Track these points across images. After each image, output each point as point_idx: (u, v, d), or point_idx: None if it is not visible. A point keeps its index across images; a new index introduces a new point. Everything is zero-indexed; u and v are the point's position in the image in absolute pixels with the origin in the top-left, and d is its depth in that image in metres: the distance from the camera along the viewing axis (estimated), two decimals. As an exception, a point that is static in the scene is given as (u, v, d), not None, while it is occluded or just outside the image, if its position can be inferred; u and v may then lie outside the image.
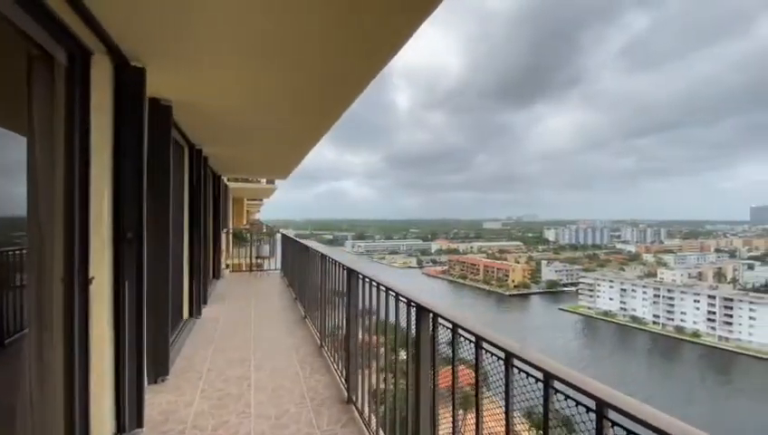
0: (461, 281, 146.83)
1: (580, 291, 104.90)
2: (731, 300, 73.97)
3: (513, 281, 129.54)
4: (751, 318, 69.80)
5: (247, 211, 35.32)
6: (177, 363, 4.02)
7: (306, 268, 5.62)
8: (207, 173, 7.72)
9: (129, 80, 2.73)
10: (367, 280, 2.70)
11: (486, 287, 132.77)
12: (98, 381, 2.48)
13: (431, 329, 1.75)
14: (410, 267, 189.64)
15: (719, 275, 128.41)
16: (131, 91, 2.74)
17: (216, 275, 8.98)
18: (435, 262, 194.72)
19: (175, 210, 4.87)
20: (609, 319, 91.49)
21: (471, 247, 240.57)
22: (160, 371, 3.54)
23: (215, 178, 9.04)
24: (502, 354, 1.21)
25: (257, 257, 9.78)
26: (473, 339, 1.49)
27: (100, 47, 2.50)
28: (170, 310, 4.33)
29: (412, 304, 1.91)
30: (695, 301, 78.77)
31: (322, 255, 4.23)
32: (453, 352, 1.56)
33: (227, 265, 12.42)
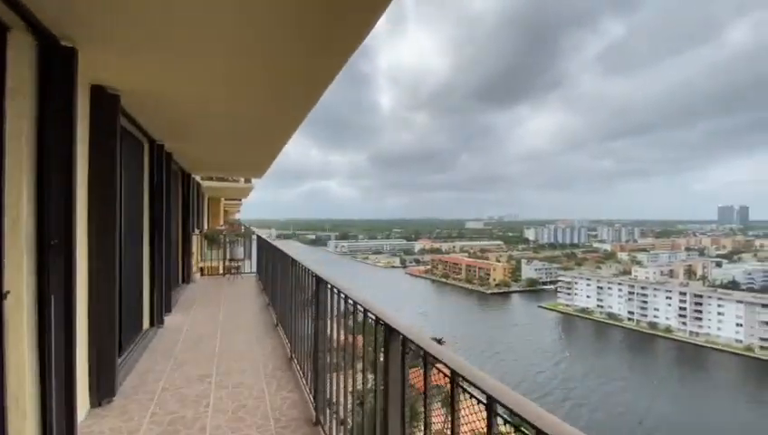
0: (443, 280, 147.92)
1: (558, 289, 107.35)
2: (700, 296, 77.11)
3: (494, 280, 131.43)
4: (719, 314, 72.90)
5: (226, 211, 34.32)
6: (129, 381, 3.62)
7: (278, 272, 5.29)
8: (173, 171, 7.25)
9: (57, 62, 2.35)
10: (335, 291, 2.41)
11: (468, 286, 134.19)
12: (17, 413, 2.11)
13: (401, 354, 1.45)
14: (394, 267, 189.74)
15: (689, 273, 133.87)
16: (60, 75, 2.36)
17: (187, 279, 8.50)
18: (418, 262, 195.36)
19: (131, 211, 4.45)
20: (586, 316, 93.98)
21: (453, 247, 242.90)
22: (105, 392, 3.15)
23: (184, 177, 8.55)
24: (483, 398, 1.06)
25: (230, 260, 9.32)
26: (448, 373, 1.27)
27: (19, 22, 2.12)
28: (121, 322, 3.93)
29: (381, 322, 1.63)
30: (667, 297, 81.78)
31: (293, 260, 3.91)
32: (425, 385, 1.27)
33: (200, 269, 11.88)
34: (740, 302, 70.63)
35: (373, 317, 1.75)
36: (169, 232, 6.00)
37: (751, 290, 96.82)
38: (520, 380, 58.14)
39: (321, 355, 2.74)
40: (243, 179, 15.88)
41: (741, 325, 69.06)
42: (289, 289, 4.24)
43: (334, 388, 2.50)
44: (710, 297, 75.52)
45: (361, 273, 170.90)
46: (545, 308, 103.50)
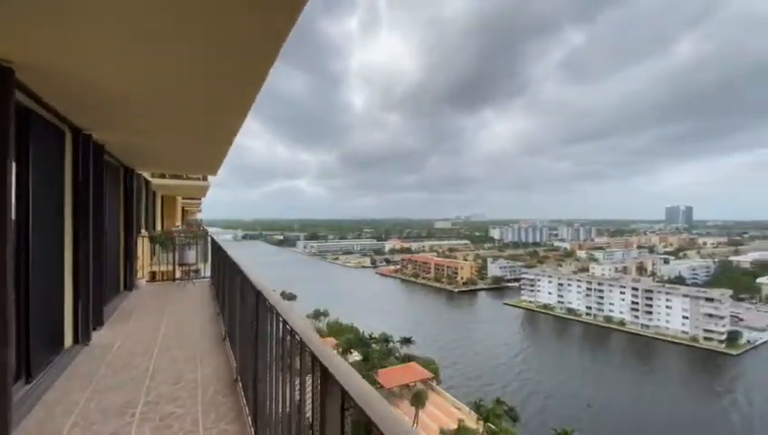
0: (413, 280, 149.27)
1: (522, 286, 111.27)
2: (651, 291, 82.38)
3: (461, 278, 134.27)
4: (668, 307, 78.13)
5: (185, 211, 32.46)
6: (33, 415, 2.99)
7: (227, 278, 4.73)
8: (110, 166, 6.45)
9: None
10: (273, 311, 1.97)
11: (437, 285, 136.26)
12: None
13: (340, 409, 1.04)
14: (364, 267, 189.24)
15: (641, 269, 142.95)
16: None
17: (129, 286, 7.66)
18: (388, 261, 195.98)
19: (45, 210, 3.76)
20: (548, 311, 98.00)
21: (423, 246, 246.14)
22: (-9, 436, 2.53)
23: (126, 173, 7.70)
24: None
25: (180, 265, 8.52)
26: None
27: None
28: (29, 342, 3.27)
29: (317, 363, 1.22)
30: (621, 293, 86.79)
31: (234, 264, 3.40)
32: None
33: (151, 274, 10.89)
34: (686, 296, 76.15)
35: (309, 354, 1.32)
36: (101, 234, 5.25)
37: (695, 285, 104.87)
38: (481, 373, 59.69)
39: (262, 385, 2.28)
40: (201, 177, 14.89)
41: (687, 318, 74.45)
42: (237, 298, 3.73)
43: (277, 421, 2.04)
44: (659, 292, 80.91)
45: (332, 274, 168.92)
46: (510, 305, 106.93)
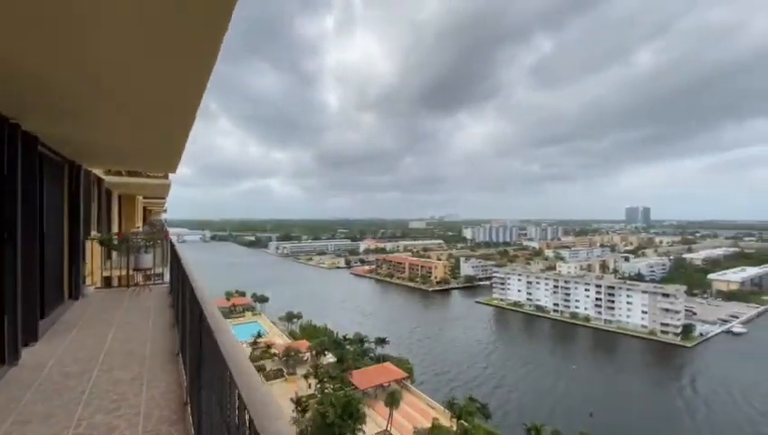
0: (388, 280, 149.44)
1: (493, 284, 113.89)
2: (612, 288, 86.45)
3: (435, 278, 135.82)
4: (628, 303, 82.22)
5: (149, 211, 30.76)
6: (-71, 460, 2.47)
7: (182, 284, 4.26)
8: (49, 160, 5.76)
9: None
10: (211, 328, 1.62)
11: (412, 284, 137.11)
12: None
13: None
14: (338, 268, 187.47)
15: (604, 267, 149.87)
16: None
17: (74, 294, 6.93)
18: (363, 262, 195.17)
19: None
20: (517, 309, 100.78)
21: (398, 246, 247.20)
22: None
23: (72, 170, 6.96)
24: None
25: (136, 269, 7.83)
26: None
27: None
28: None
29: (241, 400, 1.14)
30: (585, 290, 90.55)
31: (183, 270, 2.99)
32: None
33: (105, 280, 10.03)
34: (644, 292, 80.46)
35: (228, 381, 1.19)
36: (33, 237, 4.64)
37: (653, 281, 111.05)
38: (453, 370, 60.52)
39: (207, 416, 1.92)
40: (163, 175, 13.97)
41: (645, 312, 78.68)
42: (189, 308, 3.31)
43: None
44: (620, 289, 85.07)
45: (305, 275, 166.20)
46: (482, 303, 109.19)
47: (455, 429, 37.11)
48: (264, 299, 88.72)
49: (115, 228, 15.13)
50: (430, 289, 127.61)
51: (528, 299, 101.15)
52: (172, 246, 6.63)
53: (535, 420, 38.83)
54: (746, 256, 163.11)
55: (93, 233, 9.29)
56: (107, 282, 10.58)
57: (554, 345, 76.11)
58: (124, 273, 8.52)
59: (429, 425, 37.77)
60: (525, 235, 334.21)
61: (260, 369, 51.59)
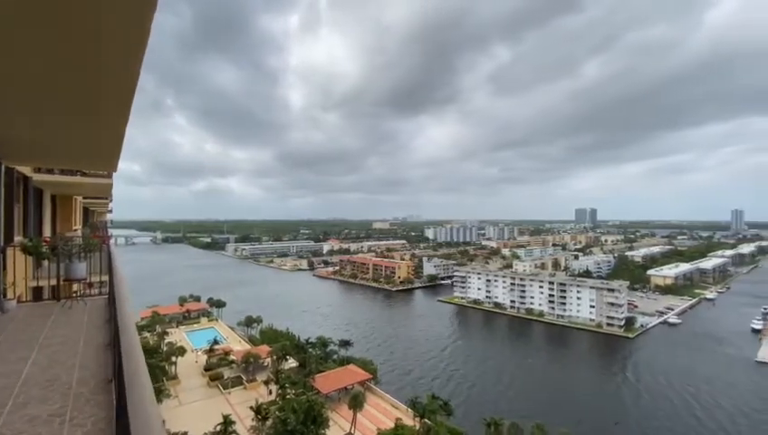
0: (352, 281, 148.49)
1: (454, 283, 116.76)
2: (564, 284, 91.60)
3: (399, 277, 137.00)
4: (578, 298, 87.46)
5: (91, 212, 28.26)
6: None
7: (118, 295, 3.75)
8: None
9: None
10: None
11: (375, 285, 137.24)
12: None
13: None
14: (301, 270, 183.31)
15: (556, 265, 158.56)
16: None
17: (-10, 310, 6.01)
18: (326, 263, 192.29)
19: None
20: (477, 306, 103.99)
21: (362, 247, 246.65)
22: None
23: (-13, 167, 6.05)
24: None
25: (67, 280, 6.96)
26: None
27: None
28: None
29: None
30: (539, 287, 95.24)
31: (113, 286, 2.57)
32: None
33: (34, 291, 8.87)
34: (592, 287, 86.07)
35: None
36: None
37: (599, 277, 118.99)
38: (416, 368, 61.30)
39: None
40: (106, 173, 12.73)
41: (593, 307, 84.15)
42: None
43: None
44: (571, 285, 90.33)
45: (265, 277, 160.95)
46: (443, 302, 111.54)
47: (418, 428, 37.43)
48: (221, 304, 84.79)
49: (48, 232, 13.60)
50: (394, 289, 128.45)
51: (487, 297, 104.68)
52: (110, 251, 5.95)
53: (494, 415, 40.21)
54: (679, 254, 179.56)
55: (18, 238, 8.20)
56: (36, 294, 9.41)
57: (511, 341, 79.38)
58: (37, 284, 7.59)
59: (393, 425, 37.84)
60: (484, 234, 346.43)
61: (217, 377, 49.24)
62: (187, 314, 78.64)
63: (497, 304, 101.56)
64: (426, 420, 38.10)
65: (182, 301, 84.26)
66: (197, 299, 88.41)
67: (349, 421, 39.08)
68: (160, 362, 49.26)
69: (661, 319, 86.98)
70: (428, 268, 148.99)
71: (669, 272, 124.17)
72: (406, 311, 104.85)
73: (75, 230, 17.69)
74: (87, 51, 2.27)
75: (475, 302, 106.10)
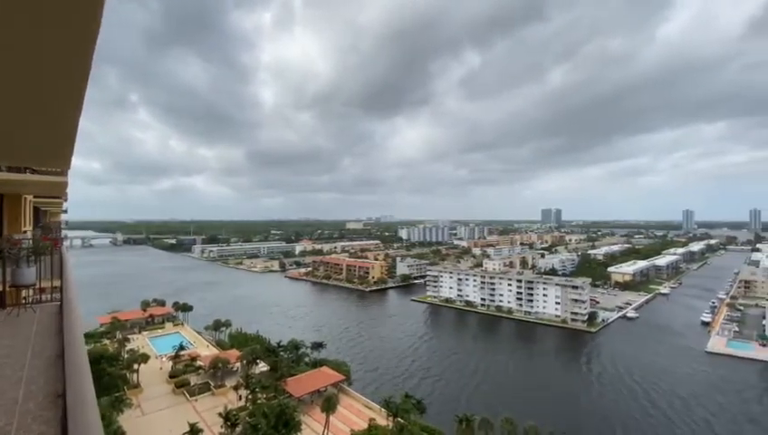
0: (325, 281, 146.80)
1: (427, 282, 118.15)
2: (531, 282, 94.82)
3: (372, 278, 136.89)
4: (544, 295, 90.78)
5: (44, 213, 26.37)
6: None
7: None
8: None
9: None
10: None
11: (349, 286, 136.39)
12: None
13: None
14: (272, 271, 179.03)
15: (524, 263, 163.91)
16: None
17: None
18: (299, 264, 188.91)
19: None
20: (449, 305, 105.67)
21: (335, 247, 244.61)
22: None
23: None
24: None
25: (12, 286, 6.41)
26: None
27: None
28: None
29: None
30: (508, 285, 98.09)
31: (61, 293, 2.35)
32: None
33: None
34: (558, 285, 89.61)
35: None
36: None
37: (564, 275, 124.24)
38: (389, 368, 61.49)
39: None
40: (61, 170, 11.84)
41: (558, 303, 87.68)
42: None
43: None
44: (537, 283, 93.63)
45: (235, 280, 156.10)
46: (416, 301, 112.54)
47: (391, 427, 37.52)
48: (187, 308, 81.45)
49: (-9, 234, 12.49)
50: (367, 289, 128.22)
51: (459, 295, 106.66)
52: (62, 255, 5.52)
53: (466, 410, 41.01)
54: (636, 252, 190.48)
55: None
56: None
57: (481, 337, 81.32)
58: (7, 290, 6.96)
59: (366, 426, 37.76)
60: (455, 234, 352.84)
61: (183, 384, 47.24)
62: (150, 320, 74.98)
63: (468, 303, 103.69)
64: (399, 420, 38.28)
65: (145, 305, 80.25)
66: (162, 303, 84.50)
67: (322, 424, 38.61)
68: (121, 371, 46.84)
69: (620, 314, 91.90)
70: (402, 268, 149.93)
71: (628, 269, 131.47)
72: (379, 311, 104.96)
73: (25, 232, 16.42)
74: (31, 34, 2.07)
75: (447, 300, 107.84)
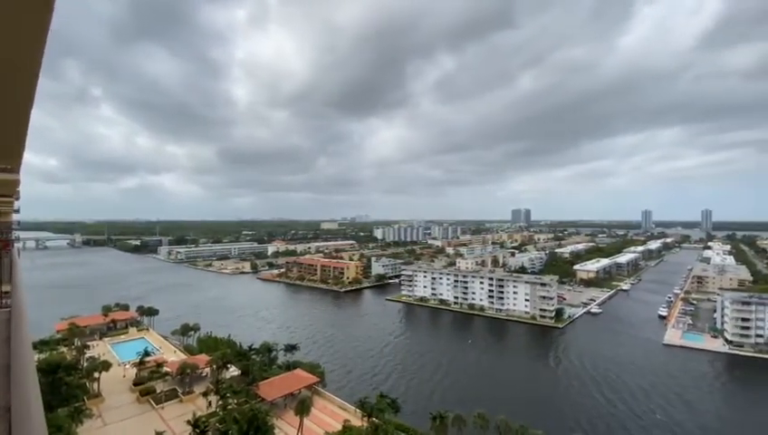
0: (299, 283, 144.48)
1: (402, 282, 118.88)
2: (502, 280, 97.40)
3: (347, 278, 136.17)
4: (514, 293, 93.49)
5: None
6: None
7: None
8: None
9: None
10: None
11: (324, 286, 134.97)
12: None
13: None
14: (243, 273, 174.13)
15: (495, 262, 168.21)
16: None
17: None
18: (271, 265, 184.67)
19: None
20: (423, 304, 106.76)
21: (309, 248, 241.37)
22: None
23: None
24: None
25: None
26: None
27: None
28: None
29: None
30: (480, 283, 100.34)
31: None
32: None
33: None
34: (527, 282, 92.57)
35: None
36: None
37: (533, 273, 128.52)
38: (364, 367, 61.49)
39: None
40: (10, 168, 11.01)
41: (528, 300, 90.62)
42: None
43: None
44: (508, 280, 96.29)
45: (204, 282, 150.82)
46: (391, 300, 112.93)
47: (366, 427, 37.50)
48: (152, 312, 78.00)
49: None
50: (343, 290, 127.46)
51: (433, 294, 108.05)
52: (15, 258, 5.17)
53: (440, 404, 41.66)
54: (600, 250, 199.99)
55: None
56: None
57: (454, 335, 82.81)
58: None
59: (341, 428, 37.57)
60: (430, 234, 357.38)
61: (149, 391, 45.20)
62: (112, 325, 71.23)
63: (442, 301, 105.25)
64: (374, 420, 38.33)
65: (106, 310, 76.16)
66: (125, 307, 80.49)
67: (296, 428, 38.05)
68: (80, 380, 44.33)
69: (585, 310, 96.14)
70: (377, 268, 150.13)
71: (592, 267, 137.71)
72: (354, 311, 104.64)
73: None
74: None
75: (422, 299, 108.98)
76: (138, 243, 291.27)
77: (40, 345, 58.46)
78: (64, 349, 57.16)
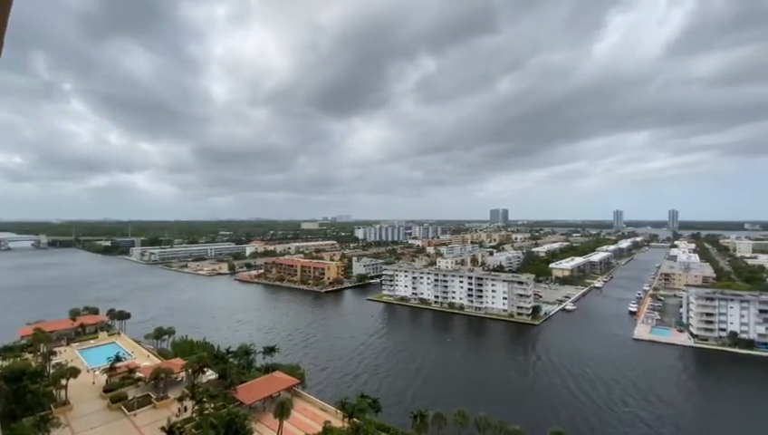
0: (278, 284, 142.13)
1: (383, 282, 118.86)
2: (481, 279, 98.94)
3: (328, 278, 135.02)
4: (493, 291, 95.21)
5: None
6: None
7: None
8: None
9: None
10: None
11: (304, 287, 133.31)
12: None
13: None
14: (220, 274, 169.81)
15: (474, 261, 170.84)
16: None
17: None
18: (249, 266, 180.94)
19: None
20: (404, 303, 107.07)
21: (289, 248, 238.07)
22: None
23: None
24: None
25: None
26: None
27: None
28: None
29: None
30: (460, 282, 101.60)
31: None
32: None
33: None
34: (505, 281, 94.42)
35: None
36: None
37: (511, 271, 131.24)
38: (345, 368, 61.22)
39: None
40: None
41: (506, 298, 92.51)
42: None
43: None
44: (487, 279, 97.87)
45: (179, 284, 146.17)
46: (372, 300, 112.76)
47: (346, 428, 37.33)
48: (124, 315, 75.11)
49: None
50: (323, 290, 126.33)
51: (413, 293, 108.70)
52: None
53: (421, 402, 41.89)
54: (574, 249, 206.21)
55: None
56: None
57: (435, 333, 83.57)
58: None
59: (321, 429, 37.26)
60: (410, 234, 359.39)
61: (120, 398, 43.48)
62: (80, 330, 68.13)
63: (423, 300, 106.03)
64: (355, 420, 38.20)
65: (74, 314, 72.72)
66: (94, 311, 77.10)
67: (275, 431, 37.48)
68: (46, 388, 42.19)
69: (560, 307, 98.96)
70: (358, 268, 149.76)
71: (567, 265, 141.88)
72: (335, 312, 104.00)
73: None
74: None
75: (403, 299, 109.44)
76: (108, 244, 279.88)
77: (2, 352, 55.42)
78: (29, 355, 54.32)
